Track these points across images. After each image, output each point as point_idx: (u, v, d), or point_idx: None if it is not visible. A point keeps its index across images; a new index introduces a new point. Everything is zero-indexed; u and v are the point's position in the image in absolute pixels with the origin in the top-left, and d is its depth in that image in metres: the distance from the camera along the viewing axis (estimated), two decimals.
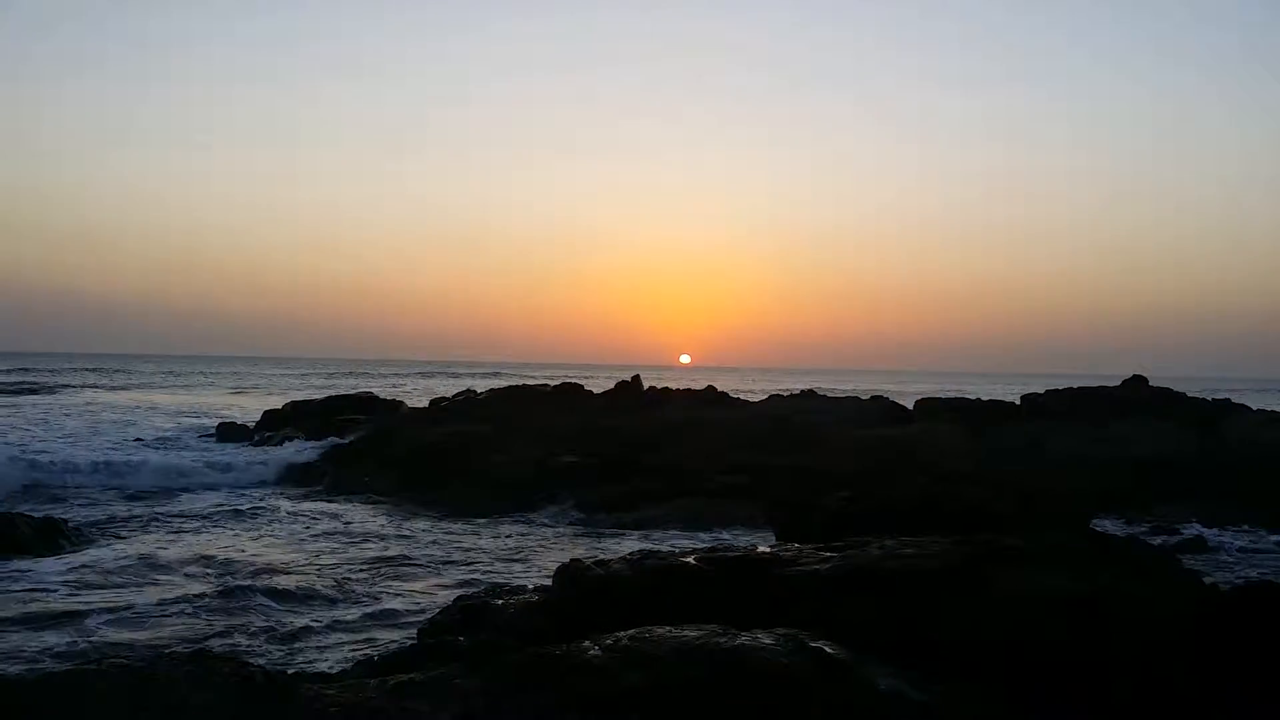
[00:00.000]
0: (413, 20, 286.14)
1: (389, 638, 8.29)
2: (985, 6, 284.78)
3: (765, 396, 28.19)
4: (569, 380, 27.38)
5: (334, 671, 6.57)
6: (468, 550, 12.78)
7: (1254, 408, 23.26)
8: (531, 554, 12.70)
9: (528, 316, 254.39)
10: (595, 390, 26.19)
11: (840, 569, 6.17)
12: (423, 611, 8.89)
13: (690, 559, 6.68)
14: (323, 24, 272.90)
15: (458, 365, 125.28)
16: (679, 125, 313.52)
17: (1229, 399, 23.99)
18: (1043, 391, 23.89)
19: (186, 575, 10.54)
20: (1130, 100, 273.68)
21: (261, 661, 6.60)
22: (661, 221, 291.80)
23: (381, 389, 45.84)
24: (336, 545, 12.78)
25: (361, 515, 15.61)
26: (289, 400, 32.35)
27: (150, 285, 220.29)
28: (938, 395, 27.19)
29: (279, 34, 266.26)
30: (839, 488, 13.22)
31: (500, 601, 7.33)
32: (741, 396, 27.44)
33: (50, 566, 10.88)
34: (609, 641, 4.79)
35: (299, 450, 21.94)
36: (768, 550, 7.11)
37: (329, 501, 17.05)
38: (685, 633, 4.83)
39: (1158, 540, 12.88)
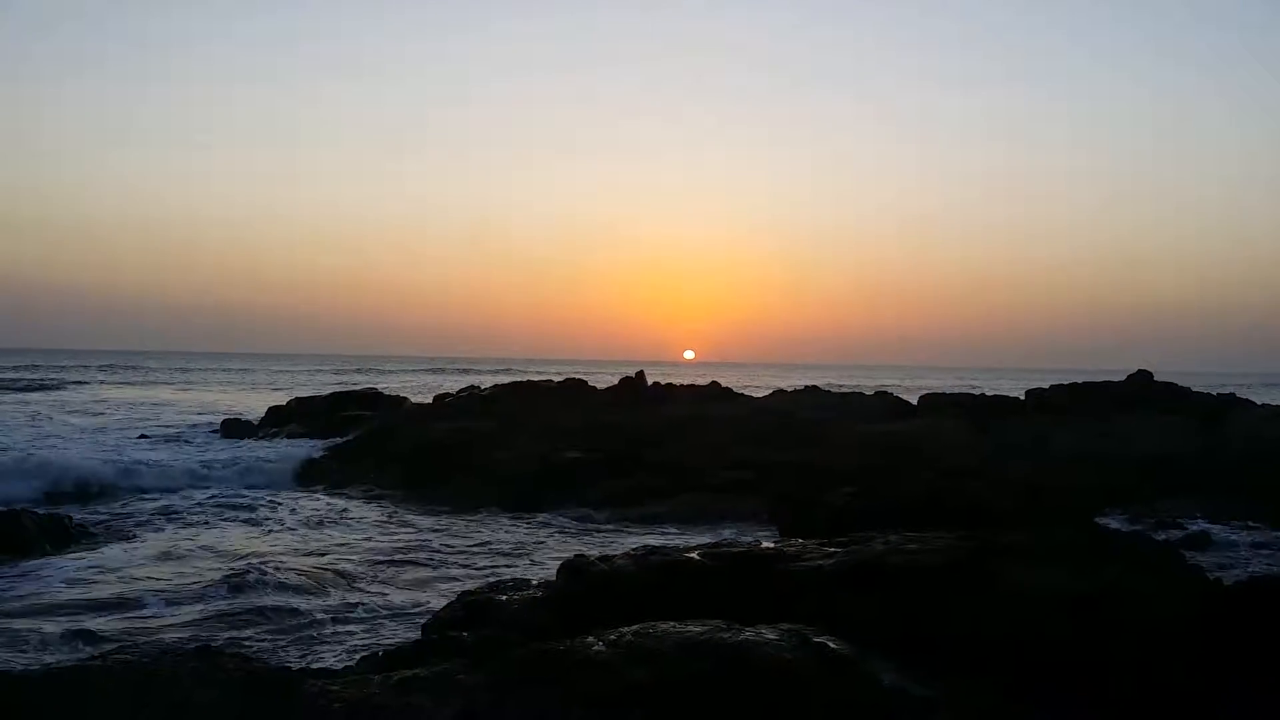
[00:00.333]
0: (414, 20, 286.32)
1: (393, 633, 8.30)
2: (985, 6, 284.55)
3: (769, 392, 28.17)
4: (573, 376, 27.38)
5: (338, 667, 6.57)
6: (471, 546, 12.79)
7: (1259, 402, 23.20)
8: (535, 550, 12.71)
9: (532, 313, 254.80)
10: (599, 386, 26.19)
11: (844, 565, 6.17)
12: (427, 607, 8.90)
13: (694, 555, 6.68)
14: (324, 24, 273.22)
15: (463, 361, 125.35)
16: (681, 123, 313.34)
17: (1234, 394, 23.94)
18: (1047, 386, 23.82)
19: (190, 572, 10.55)
20: (1132, 97, 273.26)
21: (265, 658, 6.62)
22: (665, 218, 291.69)
23: (388, 385, 45.87)
24: (340, 541, 12.80)
25: (365, 511, 15.63)
26: (294, 396, 32.36)
27: (158, 282, 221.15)
28: (942, 390, 27.18)
29: (283, 34, 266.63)
30: (843, 483, 13.23)
31: (504, 597, 7.33)
32: (745, 392, 27.41)
33: (55, 563, 10.91)
34: (613, 637, 4.79)
35: (302, 447, 21.95)
36: (771, 546, 7.11)
37: (332, 498, 17.07)
38: (689, 628, 4.83)
39: (1162, 536, 12.85)
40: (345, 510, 15.61)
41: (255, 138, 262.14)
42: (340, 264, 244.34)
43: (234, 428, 27.36)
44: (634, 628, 4.88)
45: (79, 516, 13.70)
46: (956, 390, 31.65)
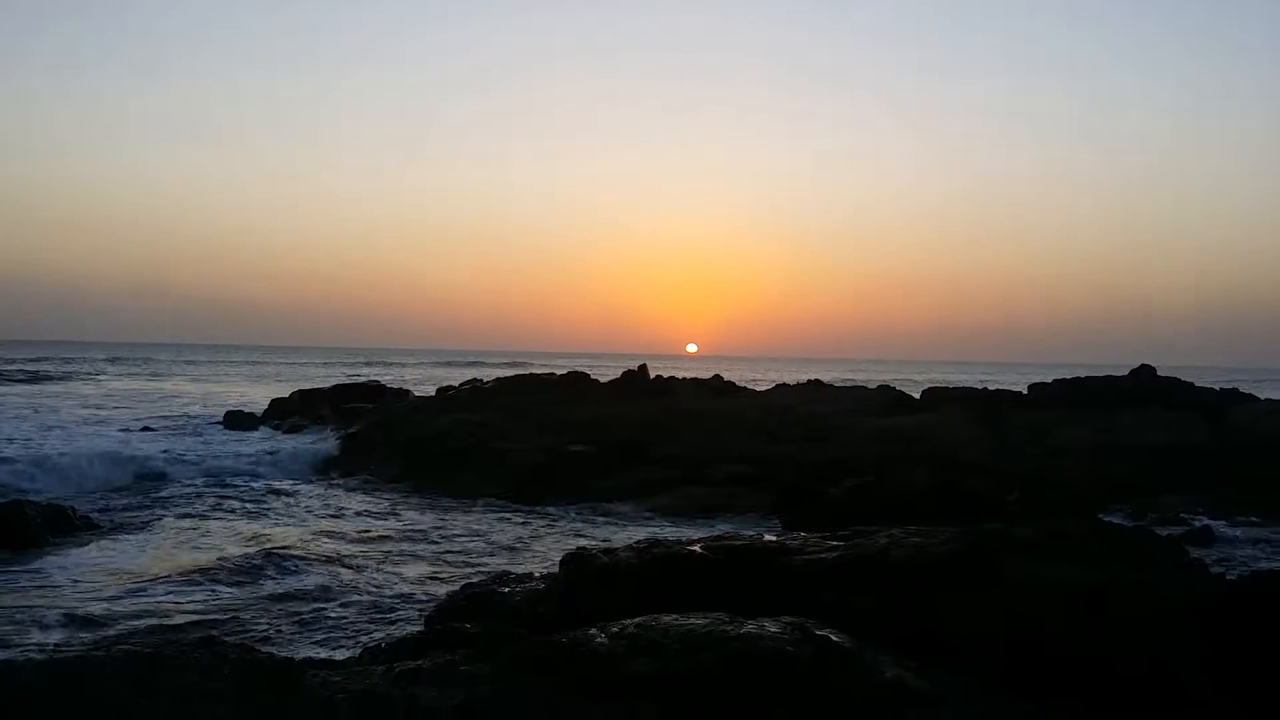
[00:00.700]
0: (428, 11, 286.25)
1: (396, 625, 8.31)
2: (985, 4, 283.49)
3: (772, 386, 28.19)
4: (576, 369, 27.40)
5: (341, 658, 6.58)
6: (473, 538, 12.81)
7: (1263, 398, 23.16)
8: (538, 542, 12.73)
9: (536, 306, 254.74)
10: (602, 379, 26.20)
11: (846, 558, 6.18)
12: (430, 599, 8.92)
13: (696, 547, 6.69)
14: (334, 18, 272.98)
15: (468, 354, 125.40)
16: (686, 117, 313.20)
17: (1237, 389, 23.91)
18: (1050, 381, 23.80)
19: (193, 562, 10.57)
20: (1136, 93, 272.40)
21: (269, 648, 6.63)
22: (669, 212, 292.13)
23: (396, 379, 45.91)
24: (343, 532, 12.81)
25: (368, 503, 15.65)
26: (297, 389, 32.38)
27: (169, 275, 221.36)
28: (945, 385, 27.13)
29: (301, 25, 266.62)
30: (846, 477, 13.24)
31: (507, 589, 7.35)
32: (748, 386, 27.42)
33: (58, 553, 10.94)
34: (615, 629, 4.80)
35: (306, 438, 21.99)
36: (774, 539, 7.12)
37: (335, 489, 17.09)
38: (691, 620, 4.83)
39: (1165, 531, 12.82)
40: (347, 502, 15.63)
41: (262, 131, 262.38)
42: (350, 258, 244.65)
43: (237, 420, 27.39)
44: (636, 620, 4.88)
45: (80, 507, 13.72)
46: (960, 385, 31.60)
